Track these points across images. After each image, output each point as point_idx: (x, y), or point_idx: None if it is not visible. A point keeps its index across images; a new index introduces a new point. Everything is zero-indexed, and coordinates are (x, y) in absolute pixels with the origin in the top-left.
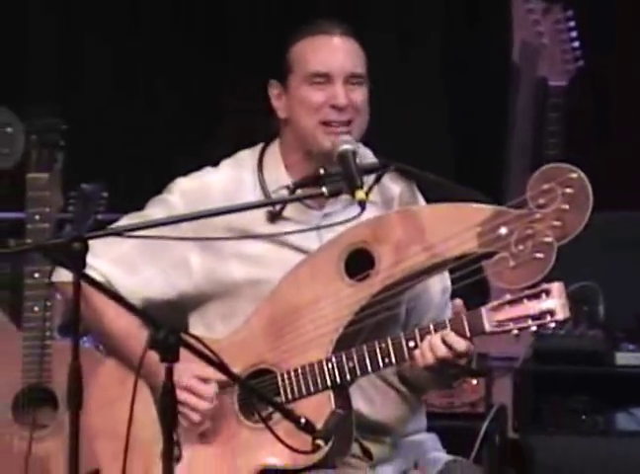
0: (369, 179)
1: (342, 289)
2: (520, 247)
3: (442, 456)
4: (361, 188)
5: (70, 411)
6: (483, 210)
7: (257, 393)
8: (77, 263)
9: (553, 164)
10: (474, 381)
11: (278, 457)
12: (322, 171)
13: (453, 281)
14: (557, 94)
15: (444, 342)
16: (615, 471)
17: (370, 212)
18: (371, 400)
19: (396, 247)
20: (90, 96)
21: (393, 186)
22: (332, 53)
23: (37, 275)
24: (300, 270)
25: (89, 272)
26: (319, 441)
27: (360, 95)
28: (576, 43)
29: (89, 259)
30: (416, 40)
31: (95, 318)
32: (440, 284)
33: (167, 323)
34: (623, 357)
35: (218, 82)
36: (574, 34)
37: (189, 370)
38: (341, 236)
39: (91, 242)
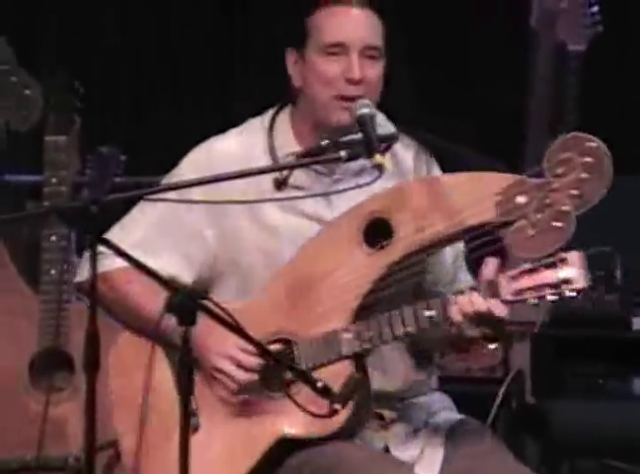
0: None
1: (361, 259)
2: (539, 216)
3: (452, 416)
4: (380, 152)
5: (87, 374)
6: (501, 179)
7: (275, 358)
8: (93, 226)
9: (572, 133)
10: (492, 346)
11: (295, 427)
12: (326, 142)
13: (470, 251)
14: (576, 58)
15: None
16: (632, 436)
17: (385, 181)
18: (384, 370)
19: (415, 216)
20: (107, 58)
21: (407, 155)
22: (349, 24)
23: (53, 238)
24: (319, 239)
25: (111, 259)
26: (336, 405)
27: (375, 71)
28: (594, 8)
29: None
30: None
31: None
32: (451, 250)
33: (185, 287)
34: None
35: (236, 44)
36: None
37: (231, 339)
38: (359, 205)
39: (110, 232)
